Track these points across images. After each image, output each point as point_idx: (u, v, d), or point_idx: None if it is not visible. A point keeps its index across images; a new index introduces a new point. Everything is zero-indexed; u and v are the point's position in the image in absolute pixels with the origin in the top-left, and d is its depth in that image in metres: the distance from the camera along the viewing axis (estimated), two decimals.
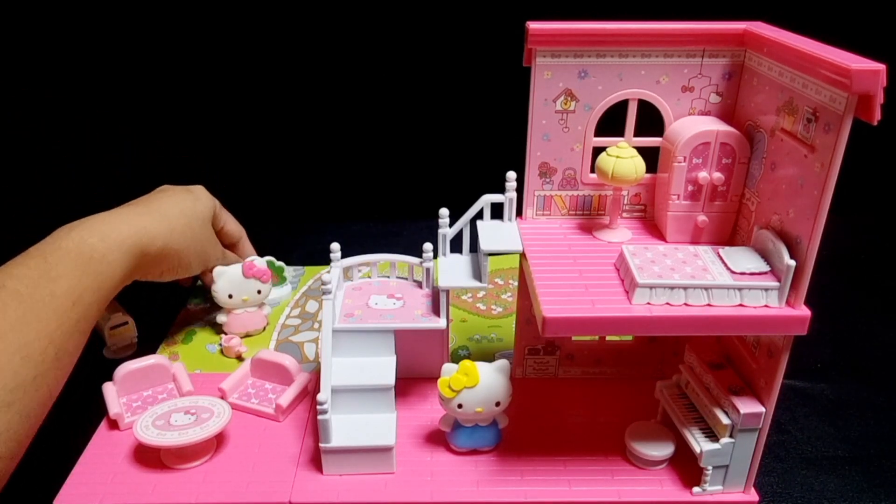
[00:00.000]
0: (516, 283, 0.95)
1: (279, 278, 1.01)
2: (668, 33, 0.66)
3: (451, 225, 0.75)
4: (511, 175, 0.73)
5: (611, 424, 0.74)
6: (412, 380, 0.80)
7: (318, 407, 0.65)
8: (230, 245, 0.96)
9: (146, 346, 0.91)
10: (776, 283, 0.58)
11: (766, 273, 0.59)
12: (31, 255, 0.67)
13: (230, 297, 0.90)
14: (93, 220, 0.74)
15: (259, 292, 0.92)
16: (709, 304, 0.59)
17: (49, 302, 0.64)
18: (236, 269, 0.90)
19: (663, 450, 0.69)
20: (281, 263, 1.01)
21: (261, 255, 1.04)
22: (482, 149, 1.17)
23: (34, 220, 1.26)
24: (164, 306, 1.00)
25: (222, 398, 0.76)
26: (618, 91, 0.69)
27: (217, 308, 0.93)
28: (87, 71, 1.19)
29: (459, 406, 0.67)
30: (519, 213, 0.75)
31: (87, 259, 0.69)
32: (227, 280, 0.89)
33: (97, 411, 0.76)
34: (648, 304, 0.59)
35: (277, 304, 1.01)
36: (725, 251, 0.62)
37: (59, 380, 0.66)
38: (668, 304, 0.59)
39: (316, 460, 0.69)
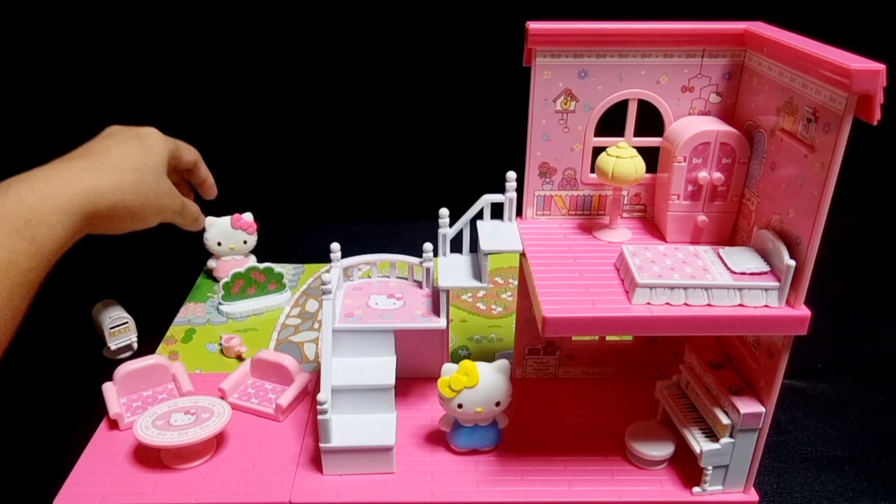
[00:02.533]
0: (516, 283, 0.95)
1: (278, 285, 1.02)
2: (668, 33, 0.66)
3: (451, 225, 0.75)
4: (511, 175, 0.73)
5: (611, 424, 0.74)
6: (412, 380, 0.80)
7: (318, 407, 0.65)
8: (187, 172, 0.91)
9: (146, 346, 0.91)
10: (776, 283, 0.58)
11: (766, 273, 0.59)
12: None
13: (219, 244, 1.03)
14: (33, 177, 0.68)
15: (245, 242, 1.04)
16: (709, 304, 0.59)
17: None
18: (225, 220, 1.02)
19: (663, 450, 0.69)
20: (280, 270, 1.01)
21: (261, 255, 1.05)
22: (482, 149, 1.17)
23: None
24: (164, 306, 1.00)
25: (222, 398, 0.76)
26: (618, 91, 0.69)
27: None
28: (87, 69, 1.19)
29: (459, 406, 0.67)
30: (519, 213, 0.75)
31: (24, 222, 0.64)
32: (217, 229, 1.02)
33: (97, 411, 0.76)
34: (648, 304, 0.59)
35: (274, 309, 1.01)
36: (725, 251, 0.62)
37: None
38: (668, 304, 0.59)
39: (316, 460, 0.69)
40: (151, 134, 0.82)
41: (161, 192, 0.80)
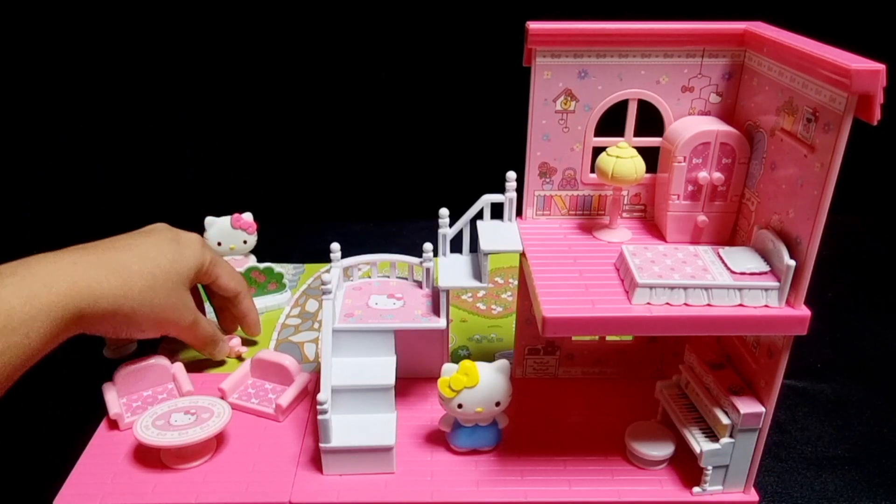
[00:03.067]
0: (516, 283, 0.95)
1: (278, 285, 1.02)
2: (668, 33, 0.66)
3: (451, 225, 0.75)
4: (511, 175, 0.73)
5: (611, 424, 0.74)
6: (412, 380, 0.80)
7: (318, 407, 0.65)
8: (226, 301, 0.85)
9: (146, 346, 0.91)
10: (776, 283, 0.58)
11: (766, 273, 0.59)
12: None
13: (219, 244, 1.01)
14: (29, 270, 0.62)
15: (245, 242, 1.02)
16: (709, 304, 0.59)
17: None
18: (225, 220, 1.01)
19: (663, 450, 0.69)
20: (280, 270, 1.01)
21: (261, 255, 1.05)
22: (482, 149, 1.17)
23: (37, 219, 1.26)
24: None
25: (222, 398, 0.76)
26: (618, 91, 0.69)
27: None
28: (87, 70, 1.19)
29: (459, 406, 0.67)
30: (519, 213, 0.75)
31: (2, 324, 0.58)
32: (217, 229, 1.01)
33: (97, 411, 0.76)
34: (648, 304, 0.59)
35: (274, 309, 1.01)
36: (725, 251, 0.62)
37: None
38: (668, 304, 0.59)
39: (316, 460, 0.69)
40: (191, 243, 0.77)
41: (170, 303, 0.73)
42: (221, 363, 0.88)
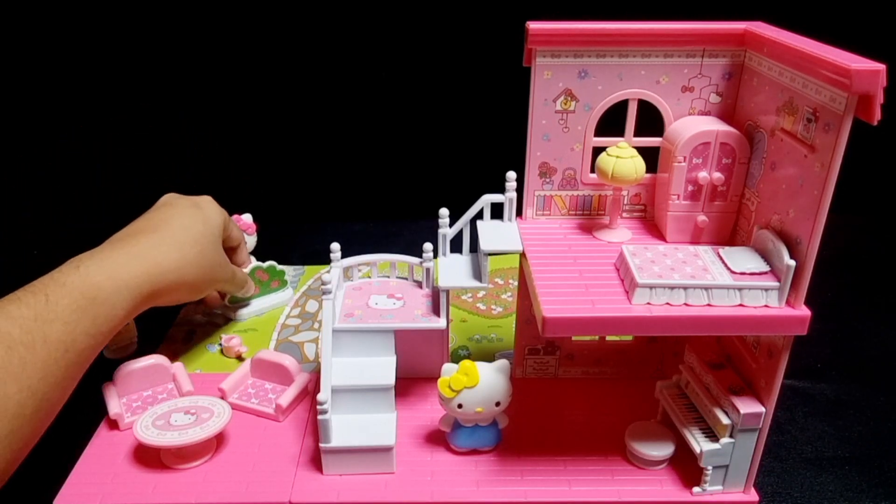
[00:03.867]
0: (516, 283, 0.95)
1: (281, 283, 1.02)
2: (668, 33, 0.66)
3: (451, 225, 0.75)
4: (511, 175, 0.73)
5: (611, 424, 0.74)
6: (412, 380, 0.80)
7: (318, 407, 0.65)
8: (229, 250, 0.91)
9: (146, 346, 0.91)
10: (776, 283, 0.58)
11: (766, 273, 0.59)
12: (33, 291, 0.62)
13: None
14: (102, 255, 0.69)
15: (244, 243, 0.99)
16: (709, 304, 0.59)
17: (39, 349, 0.59)
18: None
19: (663, 450, 0.69)
20: (283, 268, 1.01)
21: (261, 255, 1.05)
22: (482, 149, 1.17)
23: (38, 218, 1.26)
24: (164, 306, 1.00)
25: (222, 398, 0.76)
26: (618, 91, 0.69)
27: None
28: (88, 70, 1.19)
29: (459, 406, 0.67)
30: (519, 213, 0.75)
31: (90, 300, 0.64)
32: None
33: (97, 411, 0.76)
34: (648, 304, 0.59)
35: (279, 307, 1.01)
36: (725, 251, 0.62)
37: (37, 431, 0.61)
38: (668, 304, 0.59)
39: (316, 460, 0.69)
40: (209, 203, 0.83)
41: (217, 263, 0.81)
42: (226, 358, 0.88)
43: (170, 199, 0.82)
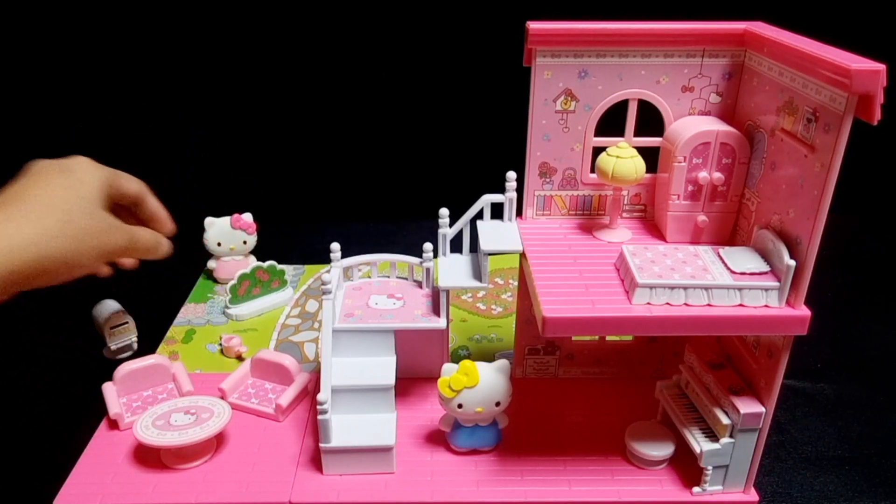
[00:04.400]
0: (516, 283, 0.95)
1: (281, 282, 1.02)
2: (668, 33, 0.66)
3: (451, 225, 0.75)
4: (511, 175, 0.73)
5: (611, 424, 0.74)
6: (412, 380, 0.80)
7: (318, 407, 0.65)
8: (133, 206, 0.79)
9: (146, 346, 0.91)
10: (776, 283, 0.58)
11: (766, 273, 0.59)
12: None
13: (219, 244, 1.02)
14: None
15: (245, 242, 1.03)
16: (709, 304, 0.59)
17: None
18: (225, 220, 1.01)
19: (663, 450, 0.69)
20: (283, 268, 1.01)
21: (261, 255, 1.05)
22: (482, 149, 1.17)
23: None
24: (164, 307, 1.00)
25: (222, 398, 0.76)
26: (618, 91, 0.69)
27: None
28: (88, 70, 1.19)
29: (459, 406, 0.67)
30: (519, 213, 0.75)
31: None
32: (217, 230, 1.01)
33: (97, 411, 0.76)
34: (648, 304, 0.59)
35: (279, 307, 1.01)
36: (725, 251, 0.62)
37: None
38: (668, 304, 0.59)
39: (316, 460, 0.69)
40: (80, 164, 0.72)
41: (96, 229, 0.68)
42: (226, 358, 0.88)
43: (31, 166, 0.72)
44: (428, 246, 0.76)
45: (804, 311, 0.58)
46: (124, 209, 0.78)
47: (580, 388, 0.81)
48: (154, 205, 0.78)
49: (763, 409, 0.62)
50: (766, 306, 0.58)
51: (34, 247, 0.62)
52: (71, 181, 0.69)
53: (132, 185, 0.76)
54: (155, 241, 0.76)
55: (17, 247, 0.62)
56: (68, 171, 0.70)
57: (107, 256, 0.71)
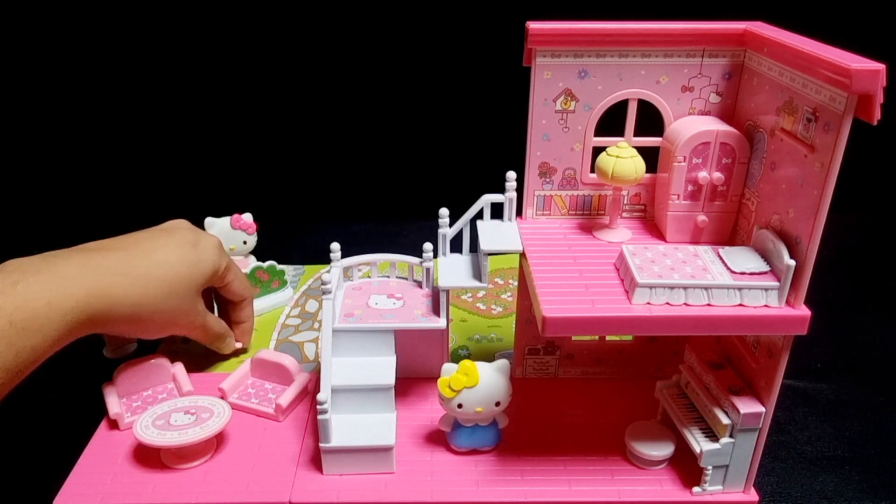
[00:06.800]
0: (516, 283, 0.95)
1: (281, 282, 1.02)
2: (668, 33, 0.66)
3: (451, 225, 0.75)
4: (511, 175, 0.73)
5: (611, 424, 0.74)
6: (412, 380, 0.80)
7: (318, 407, 0.65)
8: (229, 304, 0.85)
9: (146, 346, 0.91)
10: (776, 283, 0.58)
11: (766, 273, 0.59)
12: None
13: None
14: (50, 270, 0.60)
15: (245, 243, 1.02)
16: (709, 304, 0.59)
17: None
18: (225, 220, 1.00)
19: (663, 450, 0.69)
20: (283, 267, 1.01)
21: (261, 255, 1.05)
22: (482, 149, 1.17)
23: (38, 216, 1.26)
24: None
25: (222, 398, 0.76)
26: (618, 91, 0.69)
27: None
28: (88, 70, 1.19)
29: (459, 406, 0.67)
30: (519, 213, 0.75)
31: (19, 330, 0.56)
32: (217, 230, 0.99)
33: (97, 411, 0.76)
34: (648, 303, 0.59)
35: (279, 307, 1.01)
36: (725, 251, 0.62)
37: None
38: (668, 303, 0.59)
39: (316, 460, 0.69)
40: (210, 246, 0.76)
41: (183, 309, 0.73)
42: (226, 357, 0.88)
43: (176, 225, 0.76)
44: (428, 246, 0.76)
45: (804, 311, 0.58)
46: (228, 304, 0.85)
47: (580, 388, 0.81)
48: (248, 314, 0.87)
49: (763, 409, 0.62)
50: (766, 306, 0.58)
51: (126, 307, 0.66)
52: (194, 259, 0.73)
53: (241, 289, 0.84)
54: (220, 334, 0.83)
55: (112, 299, 0.65)
56: (196, 249, 0.74)
57: (174, 332, 0.77)
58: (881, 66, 0.49)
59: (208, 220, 1.00)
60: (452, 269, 0.75)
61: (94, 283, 0.63)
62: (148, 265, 0.69)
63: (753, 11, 0.67)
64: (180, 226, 0.77)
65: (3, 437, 0.78)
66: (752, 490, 0.67)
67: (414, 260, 0.79)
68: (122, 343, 0.90)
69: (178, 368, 0.81)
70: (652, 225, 0.74)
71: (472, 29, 1.18)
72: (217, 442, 0.72)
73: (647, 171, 0.69)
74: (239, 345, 0.88)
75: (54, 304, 0.59)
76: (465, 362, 0.67)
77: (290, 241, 1.23)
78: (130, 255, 0.68)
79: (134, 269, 0.67)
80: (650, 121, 0.70)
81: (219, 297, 0.86)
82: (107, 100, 1.21)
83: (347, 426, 0.69)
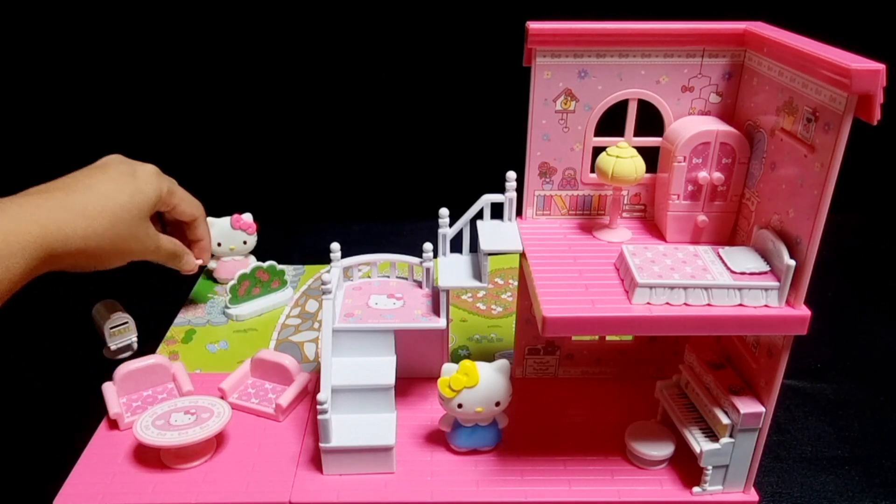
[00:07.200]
0: (516, 283, 0.95)
1: (281, 282, 1.02)
2: (668, 33, 0.66)
3: (451, 225, 0.75)
4: (511, 175, 0.73)
5: (611, 424, 0.74)
6: (412, 380, 0.80)
7: (318, 407, 0.65)
8: (184, 225, 0.88)
9: (146, 346, 0.91)
10: (776, 283, 0.58)
11: (766, 273, 0.59)
12: None
13: (219, 244, 1.02)
14: (2, 211, 0.65)
15: (245, 243, 1.03)
16: (709, 304, 0.59)
17: None
18: (225, 220, 1.02)
19: (663, 450, 0.69)
20: (283, 267, 1.01)
21: (261, 255, 1.05)
22: (482, 149, 1.17)
23: None
24: (164, 307, 1.00)
25: (222, 398, 0.76)
26: (618, 91, 0.69)
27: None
28: (88, 70, 1.19)
29: (459, 406, 0.67)
30: (519, 213, 0.75)
31: None
32: (217, 230, 1.01)
33: (97, 411, 0.76)
34: (648, 303, 0.59)
35: (279, 307, 1.01)
36: (725, 251, 0.62)
37: None
38: (668, 303, 0.59)
39: (316, 460, 0.69)
40: (147, 174, 0.79)
41: (132, 235, 0.76)
42: (226, 358, 0.88)
43: (109, 161, 0.79)
44: (428, 246, 0.76)
45: (804, 311, 0.58)
46: (180, 225, 0.87)
47: (580, 387, 0.81)
48: (203, 231, 0.89)
49: (763, 409, 0.62)
50: (766, 306, 0.58)
51: (78, 240, 0.69)
52: (133, 188, 0.76)
53: (189, 208, 0.86)
54: (175, 253, 0.85)
55: (64, 235, 0.68)
56: (134, 178, 0.77)
57: (128, 259, 0.79)
58: (881, 66, 0.49)
59: (209, 220, 1.00)
60: (452, 269, 0.75)
61: (44, 221, 0.67)
62: (90, 200, 0.72)
63: (753, 11, 0.67)
64: (113, 160, 0.80)
65: (3, 437, 0.78)
66: (752, 490, 0.67)
67: (414, 260, 0.79)
68: (122, 343, 0.90)
69: (178, 368, 0.81)
70: (652, 225, 0.74)
71: (472, 29, 1.18)
72: (217, 442, 0.72)
73: (647, 171, 0.69)
74: (199, 262, 0.90)
75: (11, 241, 0.63)
76: (465, 362, 0.67)
77: (290, 241, 1.23)
78: (72, 192, 0.71)
79: (76, 205, 0.70)
80: (650, 121, 0.70)
81: (171, 220, 0.88)
82: (107, 100, 1.21)
83: (347, 426, 0.69)
